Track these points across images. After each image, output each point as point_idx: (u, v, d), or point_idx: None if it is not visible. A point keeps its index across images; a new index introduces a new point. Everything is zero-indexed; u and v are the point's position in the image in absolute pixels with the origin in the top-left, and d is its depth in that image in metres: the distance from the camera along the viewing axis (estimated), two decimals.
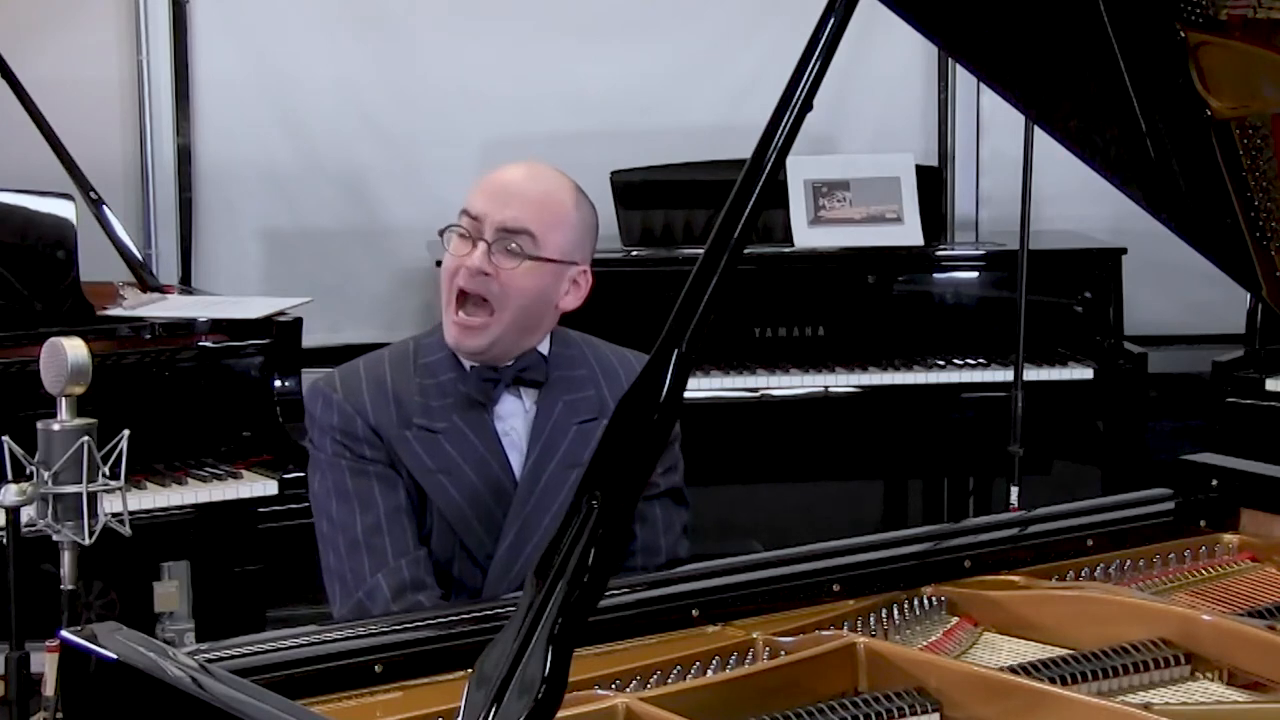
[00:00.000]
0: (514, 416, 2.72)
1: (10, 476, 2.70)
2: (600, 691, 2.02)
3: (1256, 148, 2.23)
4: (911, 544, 2.52)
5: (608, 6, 5.58)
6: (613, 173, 5.10)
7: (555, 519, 2.64)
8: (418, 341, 2.76)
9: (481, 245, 2.64)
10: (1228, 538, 2.65)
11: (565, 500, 2.65)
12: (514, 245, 2.64)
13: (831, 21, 1.95)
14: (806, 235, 5.01)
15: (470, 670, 1.70)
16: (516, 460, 2.71)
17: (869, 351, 4.87)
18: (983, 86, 4.98)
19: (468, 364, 2.72)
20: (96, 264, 4.43)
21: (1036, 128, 3.70)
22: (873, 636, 2.23)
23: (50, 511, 2.65)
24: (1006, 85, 2.33)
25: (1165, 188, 2.30)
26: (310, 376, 4.13)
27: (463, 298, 2.66)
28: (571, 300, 2.72)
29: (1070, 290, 4.99)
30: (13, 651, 2.74)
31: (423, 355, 2.73)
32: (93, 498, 2.66)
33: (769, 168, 1.91)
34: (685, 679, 2.11)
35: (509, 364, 2.71)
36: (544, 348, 2.75)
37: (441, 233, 2.69)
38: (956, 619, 2.37)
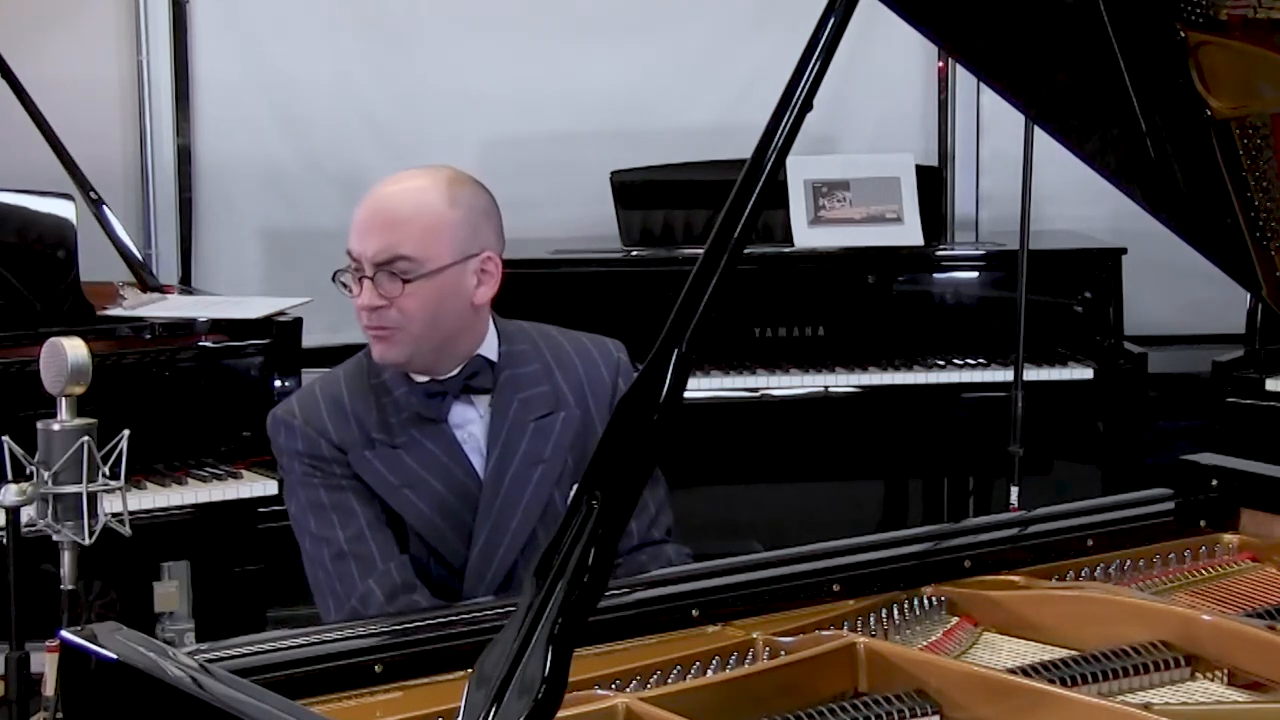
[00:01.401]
0: (470, 423, 2.71)
1: (10, 476, 2.70)
2: (600, 691, 2.02)
3: (1256, 148, 2.23)
4: (911, 544, 2.52)
5: (608, 7, 5.58)
6: (613, 173, 5.10)
7: (524, 518, 2.67)
8: (370, 360, 2.74)
9: (366, 283, 2.62)
10: (1228, 538, 2.65)
11: (532, 498, 2.67)
12: (395, 270, 2.61)
13: (831, 21, 1.95)
14: (806, 235, 5.01)
15: (470, 670, 1.70)
16: (479, 464, 2.69)
17: (869, 351, 4.87)
18: (983, 86, 4.98)
19: (417, 377, 2.70)
20: (96, 264, 4.43)
21: (1036, 128, 3.70)
22: (873, 636, 2.23)
23: (50, 511, 2.65)
24: (1006, 85, 2.33)
25: (1165, 188, 2.30)
26: (311, 377, 4.15)
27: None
28: (486, 291, 2.68)
29: (1070, 290, 4.99)
30: (13, 651, 2.74)
31: (376, 373, 2.72)
32: (93, 498, 2.65)
33: (769, 168, 1.91)
34: (685, 679, 2.11)
35: (454, 374, 2.70)
36: (491, 351, 2.73)
37: (334, 278, 2.68)
38: (956, 619, 2.37)
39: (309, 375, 4.17)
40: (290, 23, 5.41)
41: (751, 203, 1.89)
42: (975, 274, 5.11)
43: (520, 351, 2.75)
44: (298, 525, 2.72)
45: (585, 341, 2.82)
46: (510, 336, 2.76)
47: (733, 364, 4.81)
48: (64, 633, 2.04)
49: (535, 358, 2.76)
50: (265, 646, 2.07)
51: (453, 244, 2.64)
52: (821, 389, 4.81)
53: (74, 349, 2.64)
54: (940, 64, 5.69)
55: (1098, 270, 4.99)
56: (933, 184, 5.22)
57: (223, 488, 3.98)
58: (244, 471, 4.04)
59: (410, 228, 2.62)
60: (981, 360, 4.86)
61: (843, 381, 4.81)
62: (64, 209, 4.18)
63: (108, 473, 2.67)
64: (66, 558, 2.68)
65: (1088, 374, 4.84)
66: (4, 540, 2.72)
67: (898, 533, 2.58)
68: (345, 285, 2.67)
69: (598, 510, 1.72)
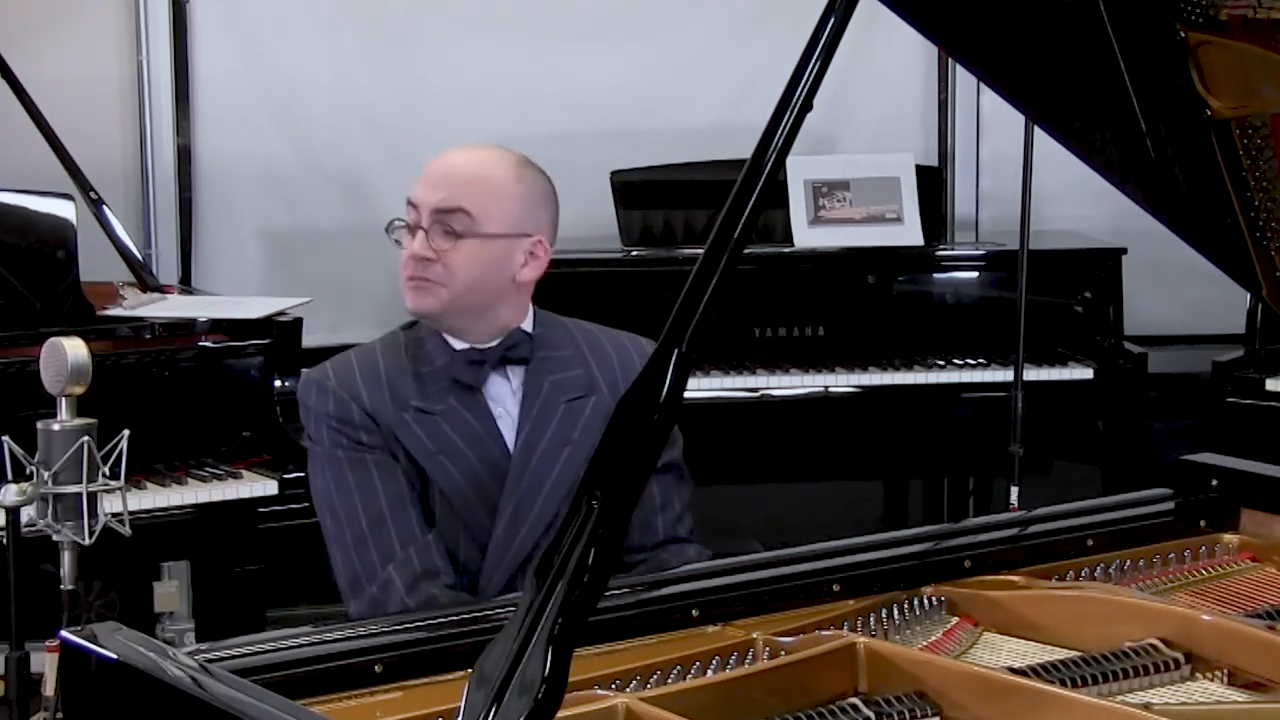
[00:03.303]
0: (505, 398, 2.75)
1: (10, 476, 2.70)
2: (600, 691, 2.02)
3: (1256, 148, 2.23)
4: (911, 544, 2.52)
5: (608, 7, 5.58)
6: (613, 173, 5.10)
7: (549, 497, 2.70)
8: (406, 333, 2.79)
9: (420, 232, 2.68)
10: (1228, 538, 2.65)
11: (558, 478, 2.70)
12: (451, 226, 2.67)
13: (831, 21, 1.95)
14: (806, 235, 5.01)
15: (470, 670, 1.70)
16: (511, 439, 2.72)
17: (869, 351, 4.87)
18: (983, 86, 4.98)
19: (456, 345, 2.73)
20: (96, 264, 4.43)
21: (1036, 128, 3.70)
22: (873, 636, 2.23)
23: (50, 511, 2.65)
24: (1006, 85, 2.33)
25: (1165, 188, 2.30)
26: None
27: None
28: (530, 272, 2.73)
29: (1070, 290, 4.99)
30: (13, 651, 2.74)
31: (414, 344, 2.76)
32: (93, 498, 2.65)
33: (769, 168, 1.91)
34: (685, 679, 2.11)
35: (494, 344, 2.74)
36: (529, 326, 2.77)
37: (388, 229, 2.73)
38: (956, 619, 2.37)
39: None
40: (290, 23, 5.41)
41: (751, 203, 1.89)
42: (975, 274, 5.11)
43: (555, 337, 2.80)
44: (320, 501, 2.73)
45: (620, 336, 2.86)
46: (546, 322, 2.81)
47: (733, 364, 4.81)
48: (64, 633, 2.04)
49: (569, 343, 2.80)
50: (265, 646, 2.07)
51: (510, 215, 2.71)
52: (821, 389, 4.81)
53: (74, 349, 2.64)
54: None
55: (1098, 270, 4.99)
56: (933, 184, 5.22)
57: (223, 488, 3.98)
58: (244, 471, 4.04)
59: (475, 186, 2.70)
60: (981, 360, 4.87)
61: (843, 381, 4.81)
62: (64, 209, 4.18)
63: (108, 473, 2.67)
64: (66, 558, 2.68)
65: (1088, 374, 4.85)
66: (4, 540, 2.72)
67: (898, 533, 2.58)
68: (397, 241, 2.72)
69: (598, 510, 1.72)
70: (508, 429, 2.73)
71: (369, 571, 2.64)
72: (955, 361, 4.87)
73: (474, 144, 2.82)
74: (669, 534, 2.77)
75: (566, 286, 4.77)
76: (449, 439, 2.70)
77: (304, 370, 2.88)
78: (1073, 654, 2.19)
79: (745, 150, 1.92)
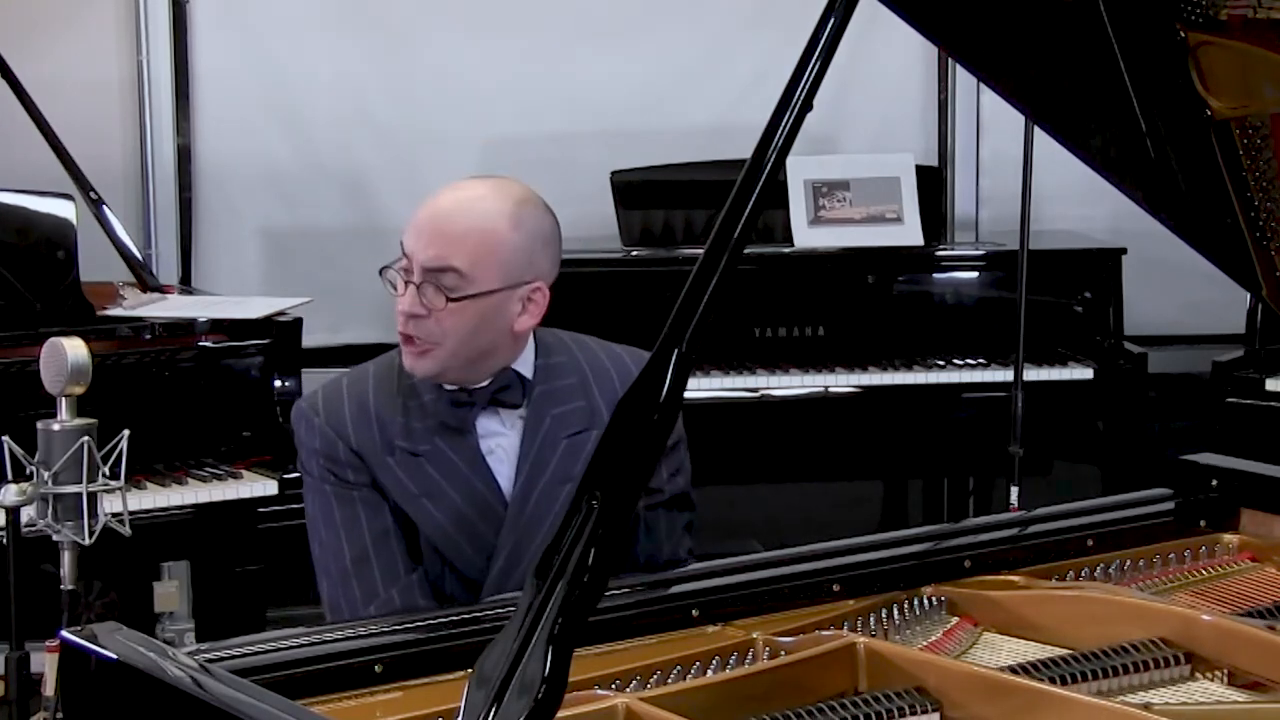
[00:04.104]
0: (497, 434, 2.66)
1: (10, 476, 2.70)
2: (600, 691, 2.02)
3: (1256, 148, 2.23)
4: (911, 544, 2.52)
5: (607, 7, 5.58)
6: (613, 173, 5.10)
7: (548, 537, 2.62)
8: (403, 359, 2.70)
9: (411, 288, 2.56)
10: (1228, 538, 2.65)
11: (558, 516, 2.63)
12: (442, 284, 2.54)
13: (831, 21, 1.96)
14: (806, 235, 5.01)
15: (470, 670, 1.70)
16: (505, 478, 2.64)
17: (869, 351, 4.87)
18: (983, 86, 4.98)
19: (446, 385, 2.64)
20: (96, 264, 4.43)
21: (1036, 128, 3.70)
22: (873, 636, 2.23)
23: (50, 511, 2.65)
24: (1006, 85, 2.33)
25: (1165, 188, 2.30)
26: (310, 377, 4.16)
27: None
28: (528, 320, 2.61)
29: (1070, 290, 4.99)
30: (13, 651, 2.74)
31: (407, 375, 2.65)
32: (93, 498, 2.65)
33: (769, 168, 1.91)
34: (685, 679, 2.11)
35: (484, 385, 2.64)
36: (525, 366, 2.66)
37: (382, 272, 2.60)
38: (956, 619, 2.37)
39: (309, 375, 4.17)
40: (290, 22, 5.41)
41: (751, 203, 1.90)
42: (975, 274, 5.11)
43: (557, 364, 2.69)
44: (312, 527, 2.68)
45: (623, 356, 2.75)
46: (549, 348, 2.71)
47: (733, 364, 4.81)
48: (64, 633, 2.04)
49: (572, 370, 2.70)
50: (265, 646, 2.07)
51: (506, 268, 2.57)
52: (821, 389, 4.81)
53: (74, 349, 2.64)
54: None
55: (1098, 270, 4.99)
56: (933, 184, 5.23)
57: (223, 488, 3.98)
58: (244, 471, 4.04)
59: (468, 244, 2.55)
60: (981, 360, 4.87)
61: (843, 381, 4.81)
62: (64, 209, 4.18)
63: (108, 473, 2.67)
64: (66, 558, 2.68)
65: (1088, 374, 4.85)
66: (4, 540, 2.72)
67: (898, 533, 2.58)
68: (391, 284, 2.59)
69: (598, 510, 1.72)
70: (499, 464, 2.65)
71: (351, 609, 2.59)
72: (955, 361, 4.87)
73: (475, 180, 2.65)
74: (670, 556, 2.75)
75: (566, 287, 4.74)
76: (433, 481, 2.62)
77: (313, 378, 2.85)
78: (1073, 654, 2.19)
79: (745, 150, 1.92)
